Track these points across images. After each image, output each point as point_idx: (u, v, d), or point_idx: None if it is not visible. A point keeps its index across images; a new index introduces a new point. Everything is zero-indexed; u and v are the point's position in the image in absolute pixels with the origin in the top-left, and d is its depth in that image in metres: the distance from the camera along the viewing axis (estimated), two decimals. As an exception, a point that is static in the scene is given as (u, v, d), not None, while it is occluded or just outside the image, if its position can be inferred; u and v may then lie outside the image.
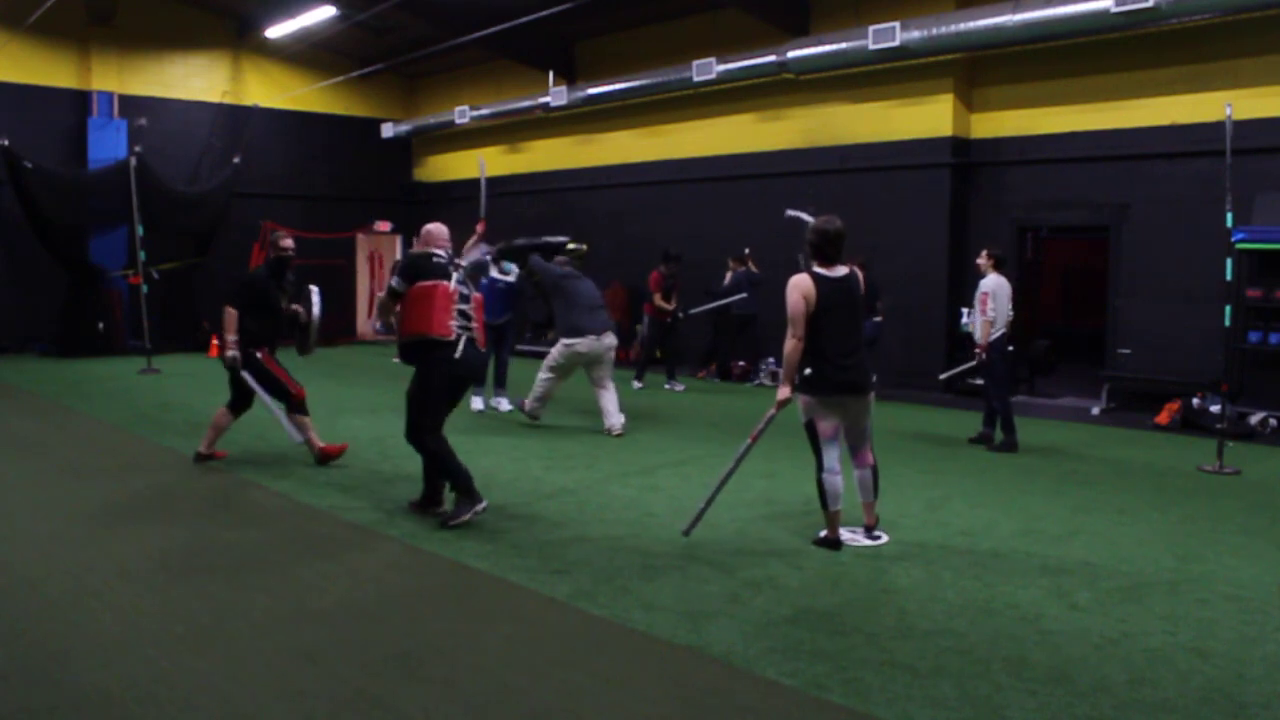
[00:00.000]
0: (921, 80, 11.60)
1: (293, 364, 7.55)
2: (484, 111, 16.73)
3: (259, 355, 7.04)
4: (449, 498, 5.83)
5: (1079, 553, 5.18)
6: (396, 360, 5.93)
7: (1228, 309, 7.86)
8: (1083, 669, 3.66)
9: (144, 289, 13.90)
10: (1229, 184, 7.58)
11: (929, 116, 11.64)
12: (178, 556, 5.00)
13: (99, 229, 15.37)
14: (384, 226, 19.25)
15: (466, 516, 5.53)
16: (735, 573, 4.77)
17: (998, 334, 8.09)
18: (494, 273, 9.71)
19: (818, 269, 5.12)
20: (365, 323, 18.65)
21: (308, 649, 3.81)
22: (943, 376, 10.48)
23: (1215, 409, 8.88)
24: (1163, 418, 9.52)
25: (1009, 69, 11.28)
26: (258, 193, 17.11)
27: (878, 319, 10.88)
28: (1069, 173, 10.94)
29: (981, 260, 8.28)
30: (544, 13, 12.27)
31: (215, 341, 15.32)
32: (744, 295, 12.36)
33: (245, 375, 7.02)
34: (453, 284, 5.70)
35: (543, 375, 8.85)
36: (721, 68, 12.75)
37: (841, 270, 5.14)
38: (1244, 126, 8.57)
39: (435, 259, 5.79)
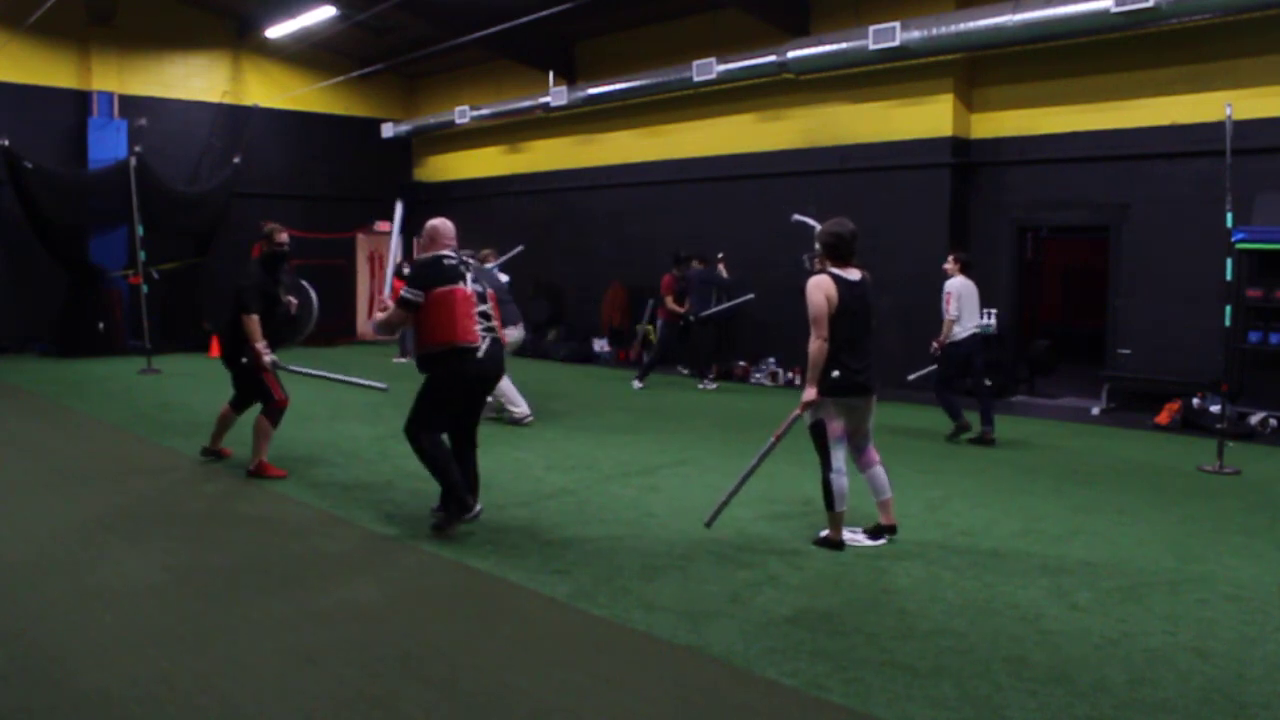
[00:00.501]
0: (921, 80, 11.60)
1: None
2: (484, 111, 16.73)
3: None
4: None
5: (1079, 553, 5.18)
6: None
7: (1228, 309, 7.86)
8: (1083, 669, 3.66)
9: (144, 289, 13.90)
10: (1229, 184, 7.58)
11: (929, 116, 11.65)
12: (178, 557, 5.00)
13: (99, 229, 15.38)
14: (384, 226, 19.23)
15: (454, 528, 5.38)
16: (735, 573, 4.77)
17: (967, 334, 8.48)
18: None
19: (835, 270, 5.13)
20: (365, 323, 18.66)
21: (308, 649, 3.81)
22: (911, 378, 10.52)
23: (1215, 409, 8.88)
24: (1163, 418, 9.52)
25: (1009, 69, 11.28)
26: (258, 193, 17.11)
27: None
28: (1069, 173, 10.94)
29: (948, 265, 8.53)
30: (544, 13, 12.27)
31: (216, 342, 15.36)
32: (751, 296, 12.36)
33: (263, 375, 6.79)
34: (468, 285, 5.42)
35: None
36: (721, 68, 12.75)
37: (855, 274, 5.16)
38: (1244, 126, 8.57)
39: (446, 261, 5.44)
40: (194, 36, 16.94)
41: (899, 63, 11.30)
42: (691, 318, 12.28)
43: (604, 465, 7.37)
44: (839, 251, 5.15)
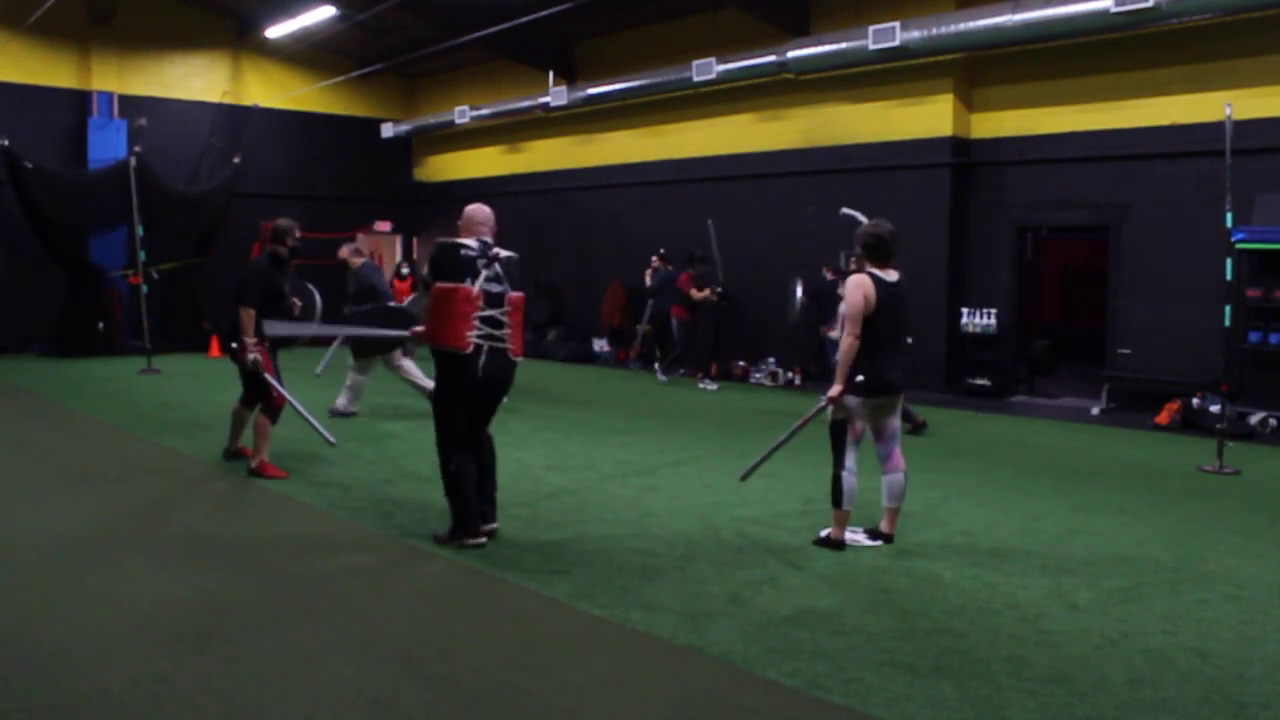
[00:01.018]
0: (921, 80, 11.60)
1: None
2: (484, 111, 16.74)
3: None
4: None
5: (1079, 553, 5.18)
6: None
7: (1228, 309, 7.86)
8: (1083, 669, 3.66)
9: (144, 289, 13.91)
10: (1229, 184, 7.58)
11: (929, 116, 11.65)
12: (178, 556, 5.00)
13: (99, 229, 15.38)
14: (384, 226, 19.25)
15: (453, 544, 5.12)
16: (735, 573, 4.77)
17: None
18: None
19: (873, 270, 5.17)
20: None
21: (308, 649, 3.81)
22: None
23: (1215, 409, 8.88)
24: (1163, 418, 9.52)
25: (1009, 69, 11.29)
26: (258, 193, 17.11)
27: None
28: (1069, 173, 10.94)
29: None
30: (544, 13, 12.27)
31: (216, 342, 15.35)
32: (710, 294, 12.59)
33: (267, 377, 6.72)
34: (478, 284, 4.93)
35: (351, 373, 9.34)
36: (721, 68, 12.75)
37: (893, 275, 5.19)
38: (1244, 126, 8.58)
39: (463, 251, 4.98)
40: (194, 36, 16.94)
41: (899, 63, 11.30)
42: (716, 297, 12.57)
43: (604, 465, 7.37)
44: (879, 252, 5.18)
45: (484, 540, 5.13)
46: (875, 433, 5.30)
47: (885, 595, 4.48)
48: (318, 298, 7.44)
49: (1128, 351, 10.54)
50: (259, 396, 6.96)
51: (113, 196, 14.63)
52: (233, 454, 7.32)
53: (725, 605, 4.31)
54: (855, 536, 5.30)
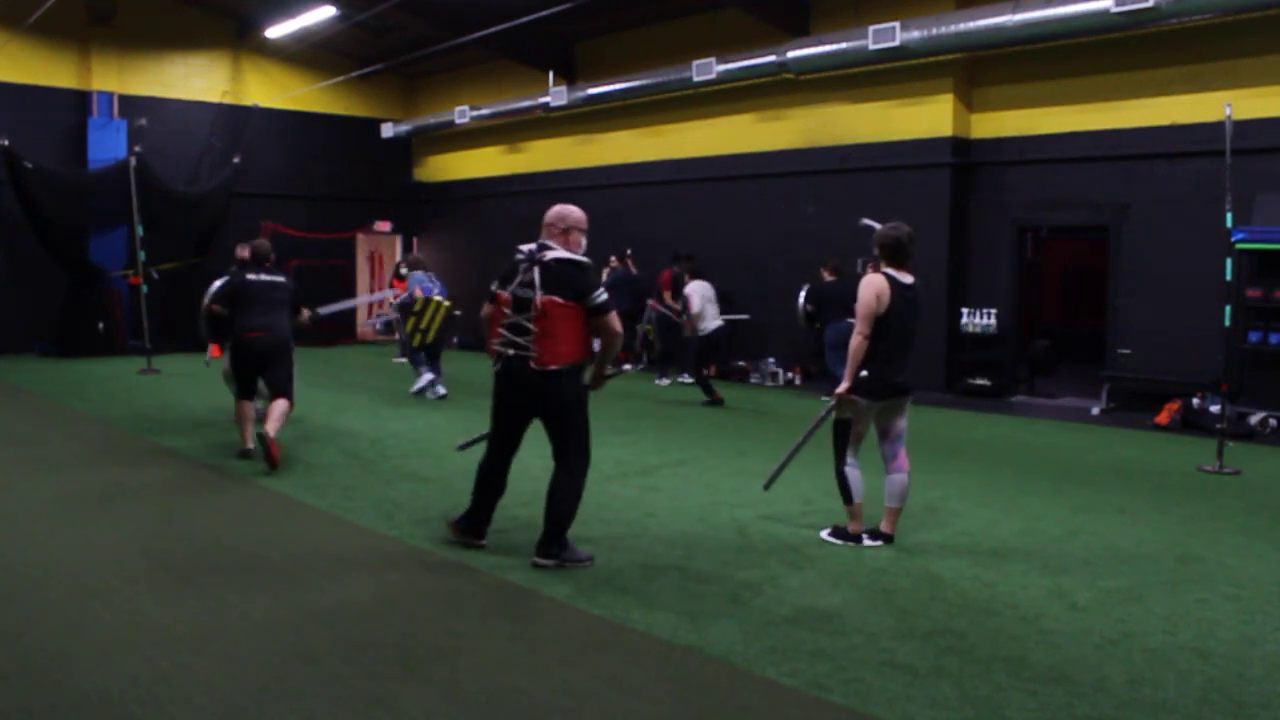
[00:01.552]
0: (921, 80, 11.60)
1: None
2: (484, 111, 16.73)
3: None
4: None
5: (1079, 553, 5.18)
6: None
7: (1228, 309, 7.86)
8: (1083, 669, 3.66)
9: (144, 289, 13.90)
10: (1229, 184, 7.57)
11: (929, 116, 11.64)
12: (178, 556, 5.00)
13: (99, 229, 15.38)
14: (384, 226, 19.25)
15: (454, 534, 5.18)
16: (735, 573, 4.77)
17: (714, 326, 10.86)
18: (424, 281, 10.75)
19: (889, 270, 5.19)
20: (364, 323, 18.67)
21: (308, 649, 3.81)
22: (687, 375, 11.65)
23: (1215, 409, 8.88)
24: (1163, 418, 9.52)
25: (1009, 69, 11.28)
26: (258, 193, 17.11)
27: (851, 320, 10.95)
28: (1069, 173, 10.94)
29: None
30: (544, 13, 12.27)
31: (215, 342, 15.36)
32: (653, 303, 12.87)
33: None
34: (510, 289, 4.81)
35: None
36: (721, 68, 12.75)
37: (909, 277, 5.22)
38: (1244, 126, 8.57)
39: (516, 255, 4.91)
40: (194, 36, 16.93)
41: (899, 63, 11.30)
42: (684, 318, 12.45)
43: (604, 465, 7.36)
44: (897, 254, 5.21)
45: (482, 543, 5.12)
46: (881, 432, 5.31)
47: (885, 595, 4.48)
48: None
49: (1128, 351, 10.54)
50: (253, 387, 7.48)
51: (113, 196, 14.62)
52: (245, 453, 7.39)
53: (725, 605, 4.31)
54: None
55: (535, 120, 16.50)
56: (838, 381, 5.39)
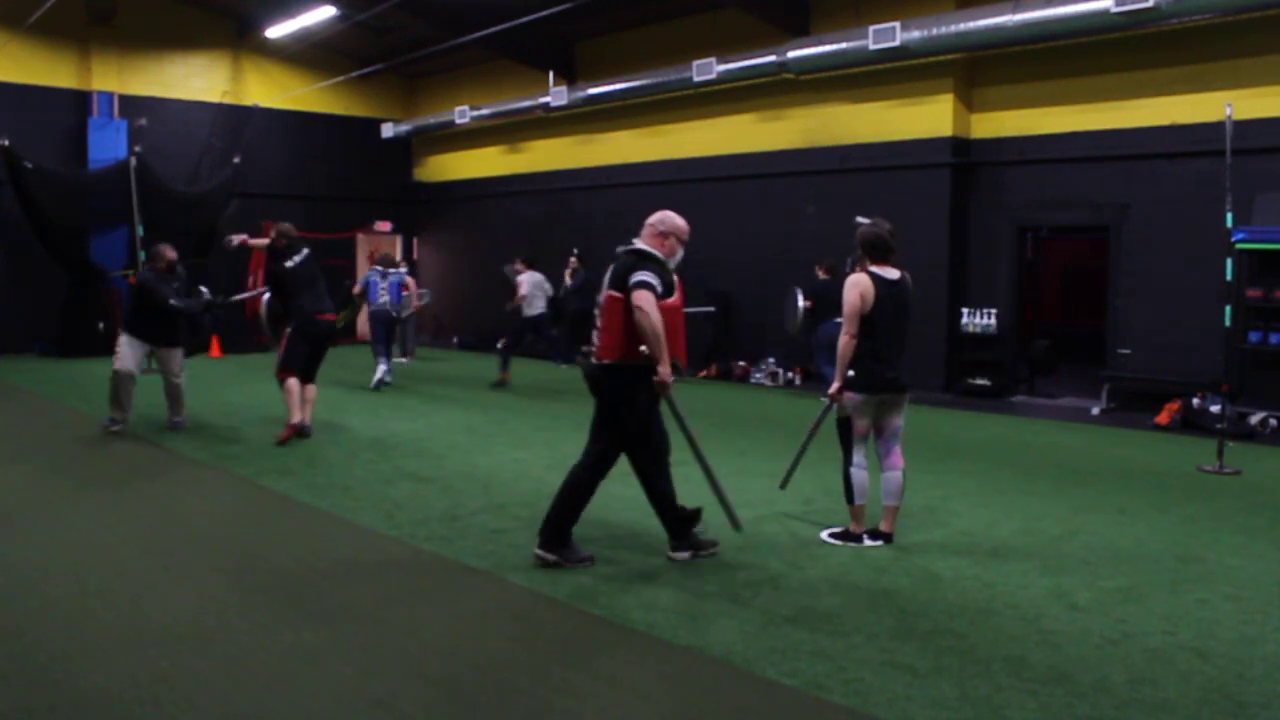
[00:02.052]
0: (921, 80, 11.60)
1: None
2: (484, 111, 16.73)
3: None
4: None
5: (1079, 553, 5.18)
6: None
7: (1228, 309, 7.86)
8: (1083, 669, 3.66)
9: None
10: (1229, 184, 7.57)
11: (929, 116, 11.64)
12: (178, 556, 5.01)
13: (99, 229, 15.37)
14: (384, 226, 19.25)
15: (568, 562, 4.83)
16: (735, 573, 4.77)
17: (537, 311, 12.70)
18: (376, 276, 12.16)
19: (874, 269, 5.22)
20: (364, 323, 18.63)
21: (308, 649, 3.81)
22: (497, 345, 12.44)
23: (1215, 409, 8.88)
24: (1163, 418, 9.52)
25: (1009, 69, 11.28)
26: (258, 193, 17.10)
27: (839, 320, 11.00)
28: (1069, 173, 10.94)
29: (518, 266, 13.05)
30: (544, 13, 12.27)
31: (216, 342, 15.36)
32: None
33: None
34: (603, 290, 4.86)
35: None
36: (721, 68, 12.75)
37: (894, 272, 5.24)
38: (1244, 126, 8.57)
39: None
40: (194, 36, 16.93)
41: (899, 63, 11.30)
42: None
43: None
44: (878, 250, 5.24)
45: (589, 560, 4.86)
46: (876, 430, 5.33)
47: (885, 595, 4.48)
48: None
49: (1128, 351, 10.54)
50: (312, 368, 8.25)
51: (113, 196, 14.62)
52: (304, 431, 8.07)
53: (725, 605, 4.31)
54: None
55: (535, 120, 16.50)
56: (829, 382, 5.41)
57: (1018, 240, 11.58)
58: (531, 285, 12.77)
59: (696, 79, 13.03)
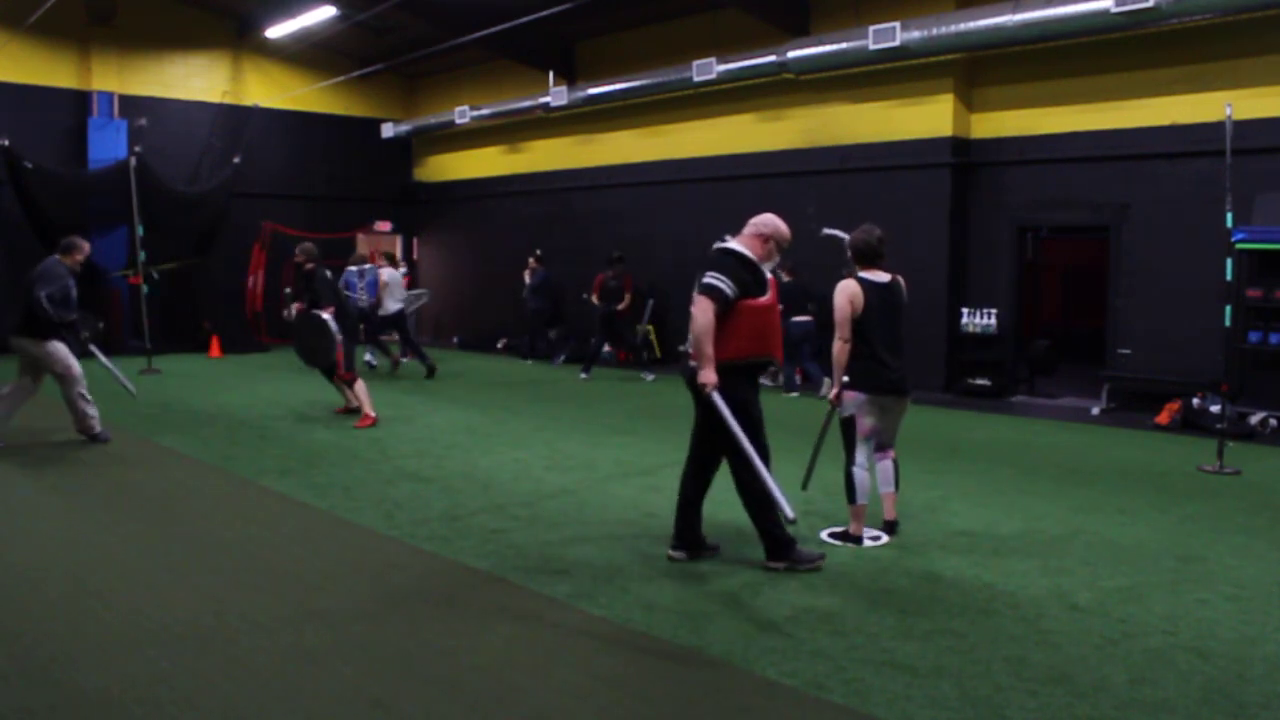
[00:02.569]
0: (921, 80, 11.60)
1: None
2: (484, 111, 16.73)
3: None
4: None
5: (1079, 553, 5.18)
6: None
7: (1228, 309, 7.86)
8: (1083, 669, 3.66)
9: (144, 289, 13.89)
10: (1229, 184, 7.57)
11: (929, 116, 11.64)
12: (178, 556, 5.01)
13: (99, 229, 15.35)
14: (384, 226, 19.25)
15: (800, 565, 4.80)
16: (735, 573, 4.77)
17: (397, 308, 12.91)
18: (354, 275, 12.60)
19: (863, 274, 5.28)
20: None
21: (308, 649, 3.81)
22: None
23: (1215, 409, 8.88)
24: (1163, 418, 9.52)
25: (1009, 69, 11.28)
26: (258, 193, 17.11)
27: (808, 319, 11.29)
28: (1069, 173, 10.94)
29: (382, 263, 13.31)
30: (544, 13, 12.26)
31: (216, 342, 15.36)
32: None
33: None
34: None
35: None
36: (721, 68, 12.75)
37: (884, 276, 5.30)
38: (1244, 126, 8.57)
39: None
40: (194, 36, 16.93)
41: (899, 63, 11.30)
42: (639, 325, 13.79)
43: (603, 465, 7.37)
44: (866, 255, 5.31)
45: (716, 550, 5.01)
46: (875, 431, 5.35)
47: (885, 595, 4.48)
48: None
49: (1128, 351, 10.54)
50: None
51: (113, 196, 14.61)
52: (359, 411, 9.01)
53: (725, 605, 4.31)
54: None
55: (535, 120, 16.49)
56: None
57: (1018, 240, 11.58)
58: (391, 283, 13.30)
59: (696, 79, 13.03)
